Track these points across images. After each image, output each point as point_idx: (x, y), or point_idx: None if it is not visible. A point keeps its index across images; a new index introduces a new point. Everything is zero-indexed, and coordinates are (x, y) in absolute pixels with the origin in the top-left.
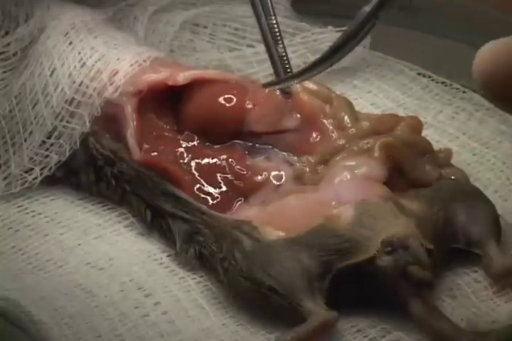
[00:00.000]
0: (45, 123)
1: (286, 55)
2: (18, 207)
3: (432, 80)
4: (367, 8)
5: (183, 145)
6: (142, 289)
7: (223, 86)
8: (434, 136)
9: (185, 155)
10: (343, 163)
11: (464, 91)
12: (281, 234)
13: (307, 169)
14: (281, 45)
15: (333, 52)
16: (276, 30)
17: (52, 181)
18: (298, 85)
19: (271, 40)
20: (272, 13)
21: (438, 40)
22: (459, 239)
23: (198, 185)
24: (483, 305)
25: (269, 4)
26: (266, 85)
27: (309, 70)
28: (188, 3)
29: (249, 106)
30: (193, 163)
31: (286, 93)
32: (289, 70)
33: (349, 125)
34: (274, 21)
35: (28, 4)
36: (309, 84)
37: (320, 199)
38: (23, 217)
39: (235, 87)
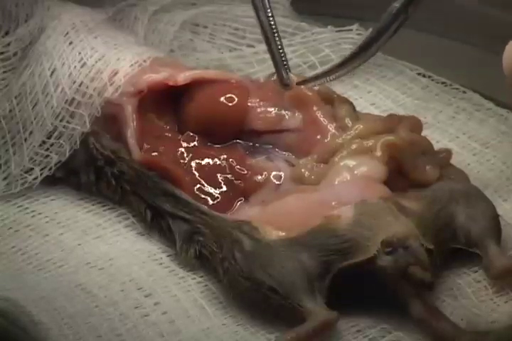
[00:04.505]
0: (45, 123)
1: (285, 55)
2: (18, 207)
3: (432, 80)
4: (396, 4)
5: (184, 146)
6: (142, 289)
7: (224, 86)
8: (434, 136)
9: (185, 155)
10: (343, 163)
11: (464, 91)
12: (281, 234)
13: (307, 169)
14: (279, 45)
15: (363, 49)
16: (274, 30)
17: (53, 181)
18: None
19: (272, 38)
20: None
21: (438, 40)
22: (459, 239)
23: (198, 185)
24: (483, 305)
25: (267, 4)
26: (299, 83)
27: (340, 67)
28: (188, 3)
29: (250, 105)
30: (193, 163)
31: (286, 85)
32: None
33: (350, 125)
34: (273, 22)
35: (28, 4)
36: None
37: (320, 199)
38: (23, 217)
39: (235, 86)
